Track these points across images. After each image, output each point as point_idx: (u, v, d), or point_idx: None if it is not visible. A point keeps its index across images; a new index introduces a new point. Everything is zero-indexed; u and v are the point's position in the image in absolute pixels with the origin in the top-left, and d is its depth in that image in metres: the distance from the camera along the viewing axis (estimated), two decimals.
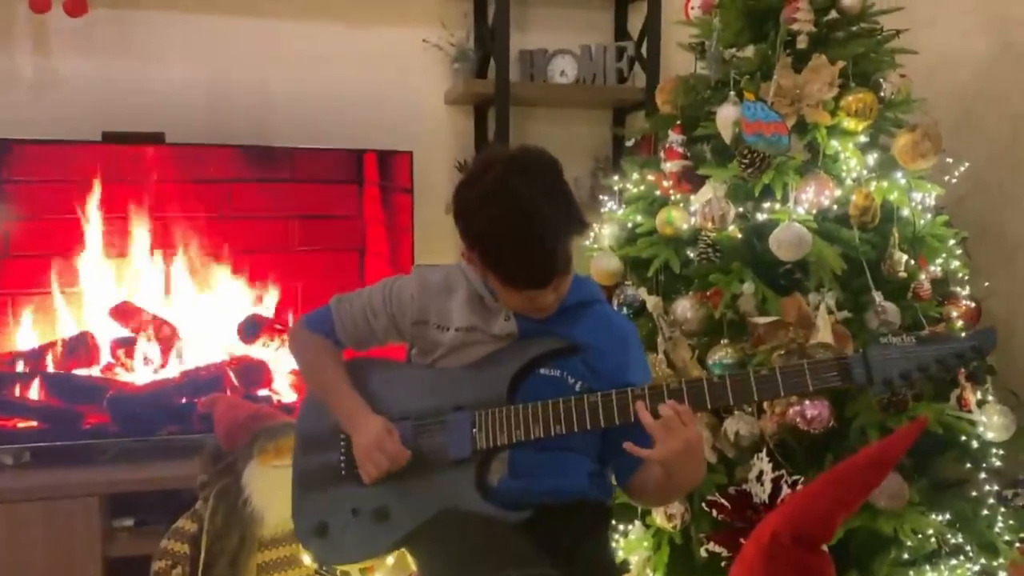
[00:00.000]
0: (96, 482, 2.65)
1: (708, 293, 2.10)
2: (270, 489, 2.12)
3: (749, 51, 2.33)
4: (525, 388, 1.48)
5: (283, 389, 2.94)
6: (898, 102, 2.22)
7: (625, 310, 2.28)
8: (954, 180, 2.23)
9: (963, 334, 2.10)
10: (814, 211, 2.07)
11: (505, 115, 3.08)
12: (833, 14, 2.26)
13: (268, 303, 2.94)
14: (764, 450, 2.00)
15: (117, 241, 2.77)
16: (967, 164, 2.23)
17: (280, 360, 2.93)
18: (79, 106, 2.89)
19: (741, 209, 2.14)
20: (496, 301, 1.52)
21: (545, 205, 1.39)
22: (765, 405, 2.04)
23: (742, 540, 1.93)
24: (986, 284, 2.29)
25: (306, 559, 2.04)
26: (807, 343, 1.98)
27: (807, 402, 1.98)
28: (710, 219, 2.10)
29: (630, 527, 2.13)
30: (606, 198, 2.51)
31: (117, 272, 2.79)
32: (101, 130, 2.73)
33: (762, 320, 2.02)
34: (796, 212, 2.05)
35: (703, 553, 1.98)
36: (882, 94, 2.23)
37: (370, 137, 3.09)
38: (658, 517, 2.06)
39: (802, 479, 1.95)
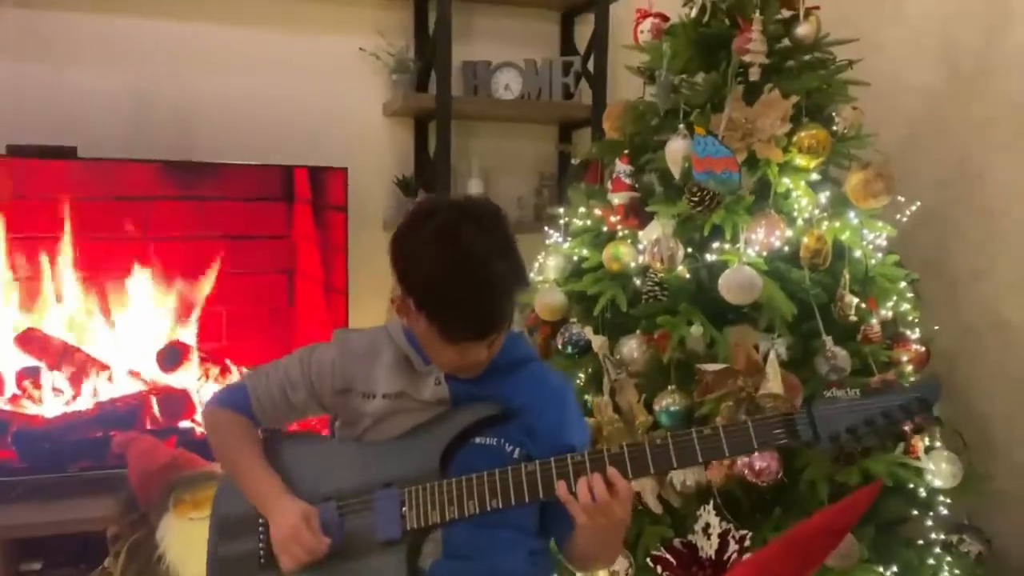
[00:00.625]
0: (1, 524, 2.46)
1: (655, 336, 2.01)
2: (186, 544, 1.97)
3: (700, 77, 2.25)
4: (459, 459, 1.37)
5: None
6: (850, 137, 2.16)
7: (570, 349, 2.19)
8: (904, 218, 2.18)
9: (911, 380, 2.07)
10: (764, 253, 1.99)
11: (446, 131, 2.96)
12: (786, 42, 2.19)
13: (190, 330, 2.76)
14: (711, 503, 1.93)
15: (24, 263, 2.57)
16: (918, 203, 2.18)
17: (204, 390, 2.77)
18: None
19: (690, 250, 2.05)
20: (425, 364, 1.41)
21: (495, 258, 1.32)
22: None
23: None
24: (936, 328, 2.24)
25: None
26: (756, 392, 1.91)
27: (756, 453, 1.91)
28: (658, 259, 2.01)
29: None
30: (550, 227, 2.41)
31: (23, 297, 2.58)
32: (5, 143, 2.52)
33: (711, 368, 1.94)
34: (746, 254, 1.97)
35: None
36: (835, 128, 2.17)
37: (303, 150, 2.93)
38: (601, 574, 1.97)
39: (749, 534, 1.88)
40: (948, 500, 2.06)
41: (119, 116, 2.79)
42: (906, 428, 2.03)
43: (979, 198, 2.49)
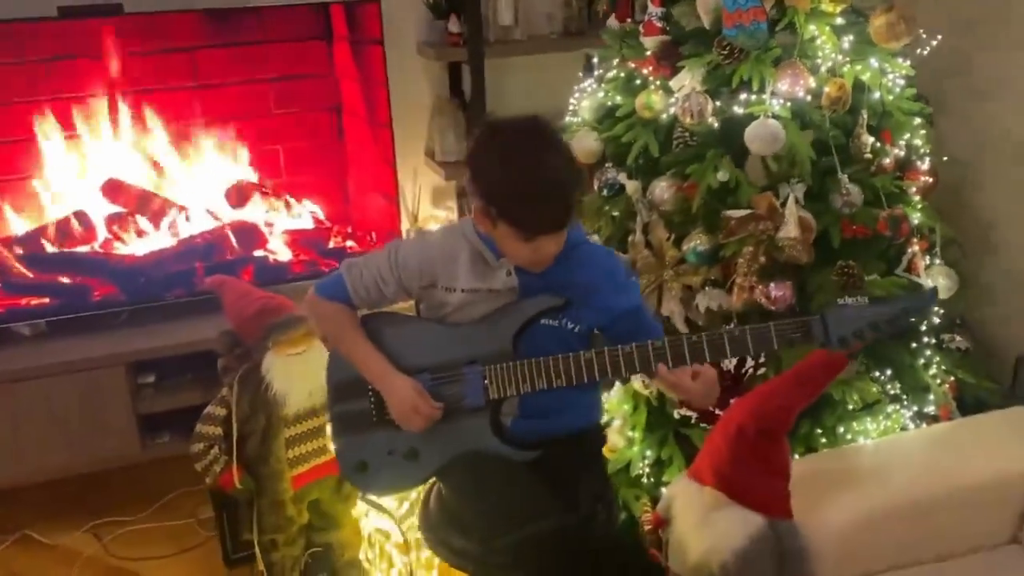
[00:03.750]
0: (119, 348, 2.85)
1: (685, 185, 2.21)
2: (289, 375, 2.32)
3: None
4: (528, 338, 1.65)
5: (278, 248, 3.07)
6: None
7: (606, 191, 2.40)
8: (926, 52, 2.27)
9: (920, 206, 2.28)
10: (788, 103, 2.13)
11: None
12: None
13: (252, 168, 2.98)
14: (732, 324, 2.23)
15: (91, 119, 2.75)
16: (939, 37, 2.26)
17: (274, 222, 3.04)
18: None
19: (719, 103, 2.18)
20: (497, 259, 1.65)
21: (558, 163, 1.55)
22: (736, 284, 2.23)
23: (710, 407, 2.23)
24: (944, 159, 2.40)
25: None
26: (776, 234, 2.14)
27: (772, 284, 2.18)
28: (689, 114, 2.16)
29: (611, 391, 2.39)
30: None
31: (97, 151, 2.79)
32: (56, 5, 2.60)
33: (735, 213, 2.16)
34: (772, 106, 2.11)
35: (676, 415, 2.28)
36: None
37: None
38: (636, 383, 2.32)
39: (763, 353, 2.20)
40: (942, 310, 2.35)
41: None
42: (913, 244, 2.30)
43: (1010, 7, 2.53)
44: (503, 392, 1.63)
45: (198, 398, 2.94)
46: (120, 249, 2.91)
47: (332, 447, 2.30)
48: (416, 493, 2.11)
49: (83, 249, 2.87)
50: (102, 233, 2.89)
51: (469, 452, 1.66)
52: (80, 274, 2.87)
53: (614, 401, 2.39)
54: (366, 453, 1.74)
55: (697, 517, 1.90)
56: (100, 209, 2.87)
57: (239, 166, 2.97)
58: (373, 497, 2.22)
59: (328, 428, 2.31)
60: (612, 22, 2.56)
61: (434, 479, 1.78)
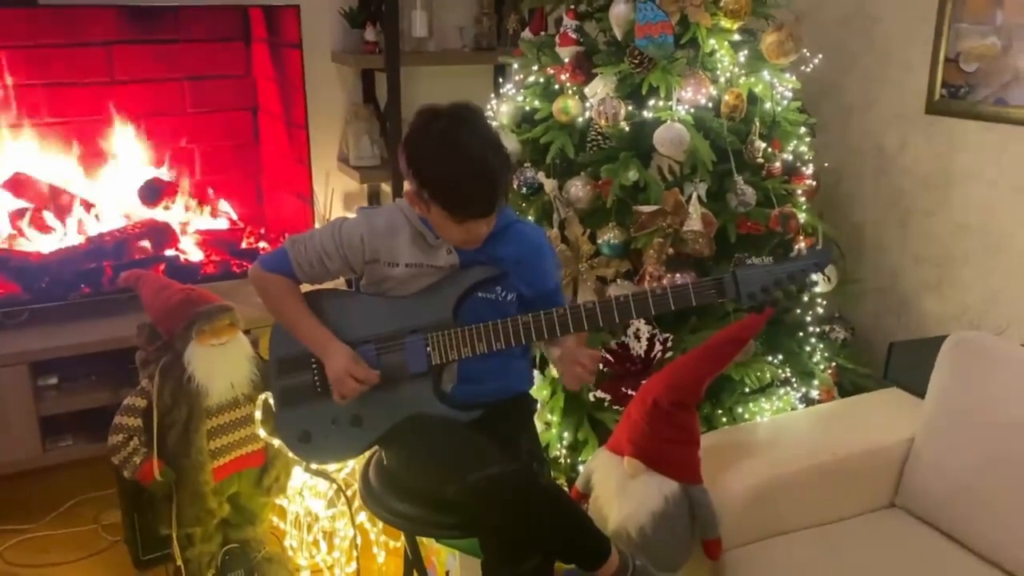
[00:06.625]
0: (20, 348, 2.77)
1: (599, 183, 2.38)
2: (211, 366, 2.33)
3: None
4: (466, 309, 1.76)
5: (189, 248, 3.06)
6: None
7: (525, 190, 2.54)
8: (808, 69, 2.53)
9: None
10: (692, 109, 2.34)
11: None
12: None
13: (166, 167, 2.96)
14: None
15: (2, 111, 2.69)
16: (820, 56, 2.53)
17: (187, 221, 3.03)
18: None
19: (631, 107, 2.37)
20: (436, 239, 1.75)
21: (489, 154, 1.65)
22: (647, 273, 2.40)
23: (623, 388, 2.39)
24: (825, 165, 2.67)
25: (257, 414, 2.36)
26: (681, 228, 2.33)
27: (678, 274, 2.37)
28: (604, 117, 2.33)
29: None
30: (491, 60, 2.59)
31: (4, 144, 2.72)
32: None
33: (645, 209, 2.34)
34: (678, 111, 2.32)
35: (591, 398, 2.42)
36: None
37: None
38: (554, 370, 2.45)
39: (671, 336, 2.38)
40: (824, 301, 2.60)
41: None
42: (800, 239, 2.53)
43: (873, 36, 2.85)
44: (445, 357, 1.72)
45: (101, 400, 2.89)
46: (24, 246, 2.83)
47: (264, 428, 2.33)
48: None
49: None
50: (5, 229, 2.80)
51: (414, 415, 1.74)
52: None
53: (533, 388, 2.51)
54: (309, 423, 1.80)
55: (616, 485, 2.04)
56: (4, 204, 2.79)
57: (153, 164, 2.95)
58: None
59: (257, 413, 2.36)
60: (527, 34, 2.73)
61: (374, 449, 1.85)
